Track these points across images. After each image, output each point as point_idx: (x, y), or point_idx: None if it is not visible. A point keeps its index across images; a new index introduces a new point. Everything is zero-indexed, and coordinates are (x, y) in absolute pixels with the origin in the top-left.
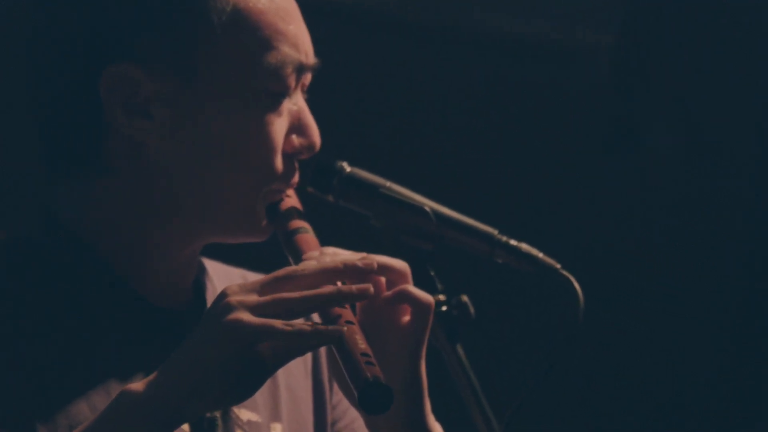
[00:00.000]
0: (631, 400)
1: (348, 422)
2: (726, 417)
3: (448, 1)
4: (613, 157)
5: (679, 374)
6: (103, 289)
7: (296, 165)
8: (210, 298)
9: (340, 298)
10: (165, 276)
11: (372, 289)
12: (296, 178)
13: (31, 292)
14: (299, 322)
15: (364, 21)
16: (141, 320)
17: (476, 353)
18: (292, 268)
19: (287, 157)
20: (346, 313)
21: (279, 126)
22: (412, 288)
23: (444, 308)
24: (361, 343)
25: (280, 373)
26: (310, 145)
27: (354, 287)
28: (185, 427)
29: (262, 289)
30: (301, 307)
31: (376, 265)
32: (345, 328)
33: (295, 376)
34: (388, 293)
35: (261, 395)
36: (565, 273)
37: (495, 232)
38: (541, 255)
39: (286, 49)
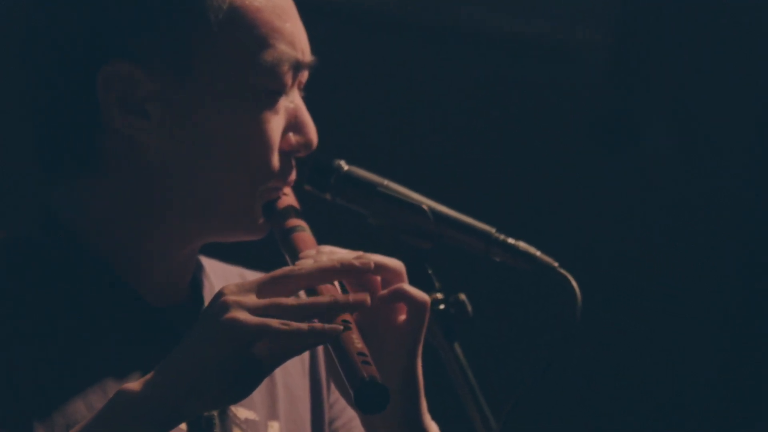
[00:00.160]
0: (630, 399)
1: (345, 421)
2: (726, 417)
3: (447, 1)
4: (611, 156)
5: (678, 373)
6: (101, 288)
7: (293, 163)
8: (207, 296)
9: (336, 308)
10: (163, 275)
11: (369, 300)
12: (293, 175)
13: (29, 292)
14: (296, 323)
15: (363, 20)
16: (138, 319)
17: (474, 351)
18: (289, 267)
19: (284, 154)
20: None
21: (276, 124)
22: (407, 287)
23: (441, 306)
24: (358, 343)
25: (278, 371)
26: (307, 143)
27: (351, 297)
28: (183, 426)
29: (259, 289)
30: (298, 315)
31: (372, 265)
32: (341, 328)
33: (292, 375)
34: (383, 292)
35: (258, 393)
36: (562, 271)
37: (492, 230)
38: (538, 253)
39: (282, 47)
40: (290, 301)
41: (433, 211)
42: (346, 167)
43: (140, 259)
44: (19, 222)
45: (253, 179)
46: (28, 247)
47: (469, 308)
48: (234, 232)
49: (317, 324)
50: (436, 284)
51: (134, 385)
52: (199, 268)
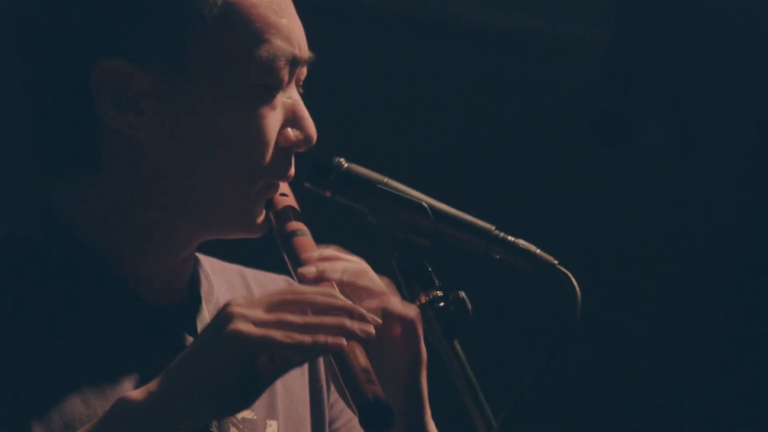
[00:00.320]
0: (630, 398)
1: (345, 421)
2: (726, 417)
3: None
4: (608, 154)
5: (677, 371)
6: (99, 287)
7: (292, 159)
8: (205, 294)
9: (342, 334)
10: (161, 274)
11: (374, 334)
12: (292, 171)
13: (27, 291)
14: (299, 335)
15: (363, 18)
16: (136, 319)
17: (474, 349)
18: (302, 293)
19: (282, 150)
20: None
21: (273, 119)
22: (392, 306)
23: (441, 304)
24: (362, 358)
25: None
26: (306, 138)
27: (358, 327)
28: None
29: (267, 307)
30: (304, 333)
31: (381, 321)
32: (345, 343)
33: (291, 374)
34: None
35: None
36: (562, 269)
37: (492, 228)
38: (538, 251)
39: (278, 43)
40: (296, 318)
41: (433, 209)
42: (345, 165)
43: (138, 257)
44: (17, 221)
45: (250, 175)
46: (26, 246)
47: (469, 306)
48: (232, 229)
49: (320, 337)
50: (436, 282)
51: (135, 393)
52: (198, 266)
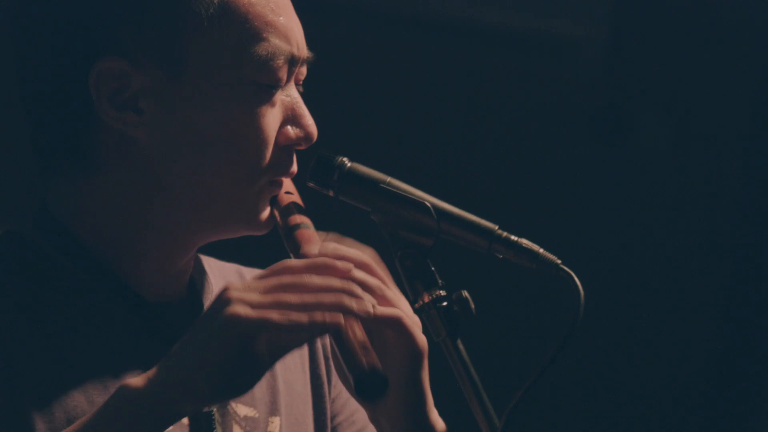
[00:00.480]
0: (633, 397)
1: (347, 415)
2: (726, 417)
3: None
4: (606, 149)
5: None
6: (98, 285)
7: (293, 156)
8: (205, 292)
9: (339, 310)
10: (162, 273)
11: (372, 311)
12: (294, 168)
13: (27, 289)
14: (296, 315)
15: (365, 17)
16: (136, 315)
17: (477, 348)
18: (299, 274)
19: (284, 148)
20: None
21: (272, 118)
22: (408, 323)
23: (444, 304)
24: (359, 332)
25: (278, 367)
26: (307, 136)
27: (355, 304)
28: (185, 420)
29: (264, 289)
30: (300, 313)
31: (372, 312)
32: (342, 321)
33: (292, 371)
34: (383, 312)
35: (259, 389)
36: (565, 268)
37: (495, 227)
38: (541, 250)
39: (275, 41)
40: (293, 298)
41: (436, 208)
42: (348, 164)
43: (138, 256)
44: (17, 219)
45: (250, 173)
46: (25, 245)
47: (473, 305)
48: (235, 227)
49: (317, 316)
50: (439, 281)
51: (136, 380)
52: (198, 264)
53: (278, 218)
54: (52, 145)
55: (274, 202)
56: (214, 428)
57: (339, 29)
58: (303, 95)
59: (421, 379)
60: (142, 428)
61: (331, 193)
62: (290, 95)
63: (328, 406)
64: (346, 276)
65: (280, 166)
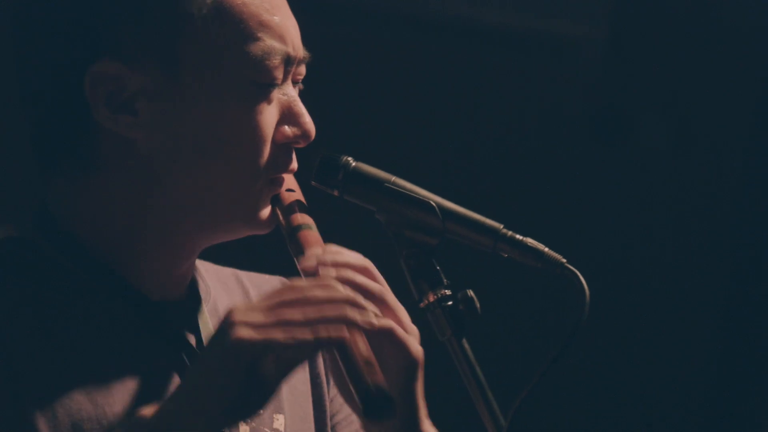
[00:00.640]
0: (638, 396)
1: (346, 414)
2: (727, 416)
3: None
4: (606, 150)
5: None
6: (100, 285)
7: (292, 154)
8: (203, 294)
9: (343, 323)
10: (163, 274)
11: (376, 324)
12: (294, 165)
13: (29, 291)
14: (301, 333)
15: (365, 17)
16: (138, 315)
17: (482, 348)
18: (300, 291)
19: (280, 146)
20: None
21: (268, 115)
22: (401, 333)
23: (449, 303)
24: (364, 348)
25: None
26: (304, 133)
27: (359, 317)
28: None
29: (267, 309)
30: (305, 329)
31: (376, 324)
32: (347, 336)
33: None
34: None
35: None
36: (570, 267)
37: (500, 226)
38: (546, 249)
39: (270, 41)
40: (296, 315)
41: (441, 207)
42: (353, 163)
43: (139, 256)
44: (17, 222)
45: (248, 172)
46: (26, 247)
47: (478, 305)
48: (236, 227)
49: (322, 331)
50: (444, 281)
51: (147, 410)
52: (193, 268)
53: (281, 217)
54: (52, 147)
55: (276, 200)
56: None
57: (339, 29)
58: (303, 94)
59: (414, 389)
60: None
61: (335, 193)
62: (287, 94)
63: (328, 404)
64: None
65: (278, 165)
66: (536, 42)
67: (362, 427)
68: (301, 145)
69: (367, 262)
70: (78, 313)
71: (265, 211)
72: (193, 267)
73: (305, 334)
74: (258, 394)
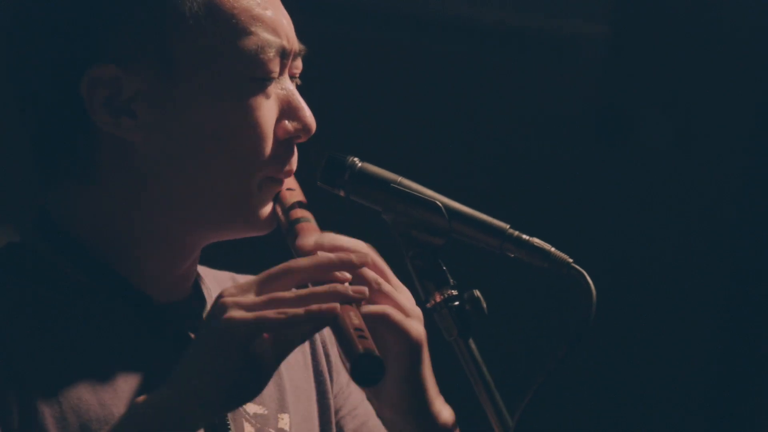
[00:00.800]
0: (644, 396)
1: (350, 409)
2: (728, 415)
3: None
4: (607, 149)
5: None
6: (103, 287)
7: (294, 150)
8: (206, 295)
9: (335, 298)
10: (166, 275)
11: (368, 292)
12: (294, 162)
13: (33, 295)
14: (292, 309)
15: (365, 17)
16: (144, 317)
17: (489, 348)
18: (286, 264)
19: (282, 142)
20: None
21: (266, 111)
22: (396, 315)
23: (456, 303)
24: (355, 319)
25: (283, 365)
26: (305, 127)
27: (350, 288)
28: None
29: (257, 287)
30: (297, 307)
31: (370, 260)
32: (339, 308)
33: (295, 368)
34: (369, 309)
35: (267, 387)
36: (577, 267)
37: (507, 226)
38: (552, 249)
39: (264, 34)
40: (288, 294)
41: (447, 208)
42: (359, 164)
43: (141, 258)
44: (18, 227)
45: (249, 168)
46: (28, 252)
47: (484, 305)
48: (233, 226)
49: (313, 307)
50: (451, 281)
51: (144, 399)
52: (196, 269)
53: (281, 215)
54: (51, 151)
55: (277, 199)
56: (228, 426)
57: (339, 29)
58: (305, 94)
59: (420, 371)
60: None
61: (341, 193)
62: (285, 88)
63: (331, 401)
64: (346, 267)
65: (279, 160)
66: (537, 41)
67: (376, 412)
68: (302, 140)
69: (364, 247)
70: (82, 316)
71: (266, 211)
72: (195, 267)
73: (297, 311)
74: (256, 377)
